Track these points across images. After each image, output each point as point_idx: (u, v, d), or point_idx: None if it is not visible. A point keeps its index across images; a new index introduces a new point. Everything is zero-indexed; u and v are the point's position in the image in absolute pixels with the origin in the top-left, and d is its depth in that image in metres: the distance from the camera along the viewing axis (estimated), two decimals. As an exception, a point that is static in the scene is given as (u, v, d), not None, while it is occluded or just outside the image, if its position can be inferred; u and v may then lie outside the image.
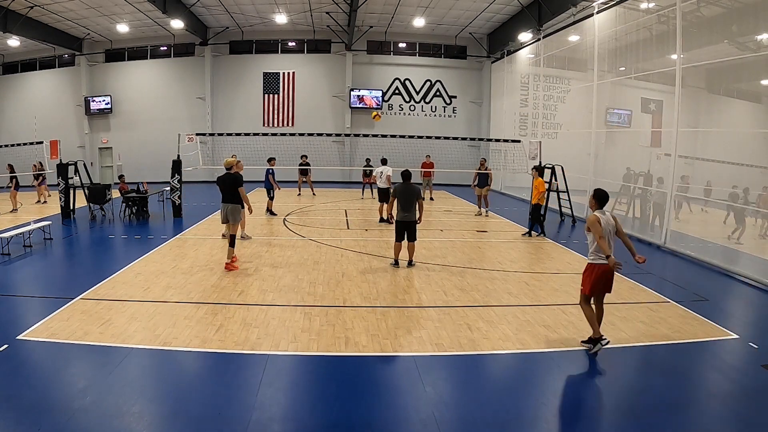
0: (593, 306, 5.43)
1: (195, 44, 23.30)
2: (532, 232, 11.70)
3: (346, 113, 23.64)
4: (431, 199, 17.79)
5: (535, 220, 11.70)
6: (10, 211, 14.54)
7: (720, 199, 11.80)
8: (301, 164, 18.32)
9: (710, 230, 12.29)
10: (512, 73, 20.76)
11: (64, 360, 4.95)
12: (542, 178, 12.13)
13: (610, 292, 5.39)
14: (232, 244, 8.42)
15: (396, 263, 8.61)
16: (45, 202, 16.44)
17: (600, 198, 5.39)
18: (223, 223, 8.72)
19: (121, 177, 14.42)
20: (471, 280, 7.91)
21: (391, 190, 8.78)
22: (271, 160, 13.71)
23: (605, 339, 5.33)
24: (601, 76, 14.09)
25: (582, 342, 5.50)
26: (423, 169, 17.93)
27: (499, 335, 5.71)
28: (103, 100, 23.37)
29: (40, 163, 15.78)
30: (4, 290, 7.06)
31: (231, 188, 8.35)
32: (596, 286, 5.28)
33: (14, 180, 15.19)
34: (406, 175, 8.60)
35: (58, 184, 13.20)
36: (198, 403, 4.20)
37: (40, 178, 16.37)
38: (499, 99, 22.33)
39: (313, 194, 18.47)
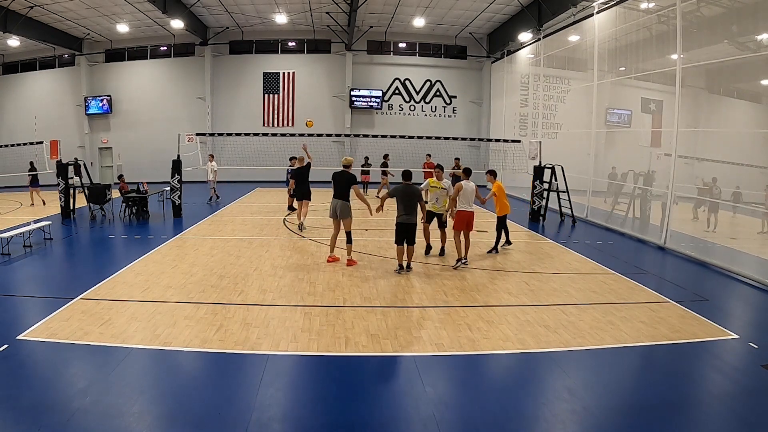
0: (462, 240, 8.55)
1: (195, 44, 23.31)
2: (498, 247, 9.98)
3: (346, 113, 23.66)
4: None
5: (499, 233, 9.98)
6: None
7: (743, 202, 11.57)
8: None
9: (713, 230, 12.28)
10: (512, 73, 20.74)
11: (64, 360, 4.95)
12: (498, 180, 10.00)
13: (471, 230, 8.59)
14: (349, 240, 8.66)
15: (401, 268, 8.22)
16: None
17: (466, 172, 8.95)
18: (330, 217, 8.86)
19: (120, 177, 14.41)
20: (471, 280, 7.91)
21: (387, 191, 8.58)
22: (292, 159, 13.83)
23: (465, 260, 8.60)
24: (601, 76, 14.08)
25: (453, 267, 8.48)
26: (425, 170, 17.84)
27: (499, 335, 5.71)
28: (103, 100, 23.38)
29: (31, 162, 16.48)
30: (4, 290, 7.06)
31: (345, 185, 8.66)
32: (459, 224, 8.48)
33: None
34: (407, 174, 8.35)
35: (58, 184, 13.21)
36: (198, 403, 4.20)
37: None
38: (499, 99, 22.31)
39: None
